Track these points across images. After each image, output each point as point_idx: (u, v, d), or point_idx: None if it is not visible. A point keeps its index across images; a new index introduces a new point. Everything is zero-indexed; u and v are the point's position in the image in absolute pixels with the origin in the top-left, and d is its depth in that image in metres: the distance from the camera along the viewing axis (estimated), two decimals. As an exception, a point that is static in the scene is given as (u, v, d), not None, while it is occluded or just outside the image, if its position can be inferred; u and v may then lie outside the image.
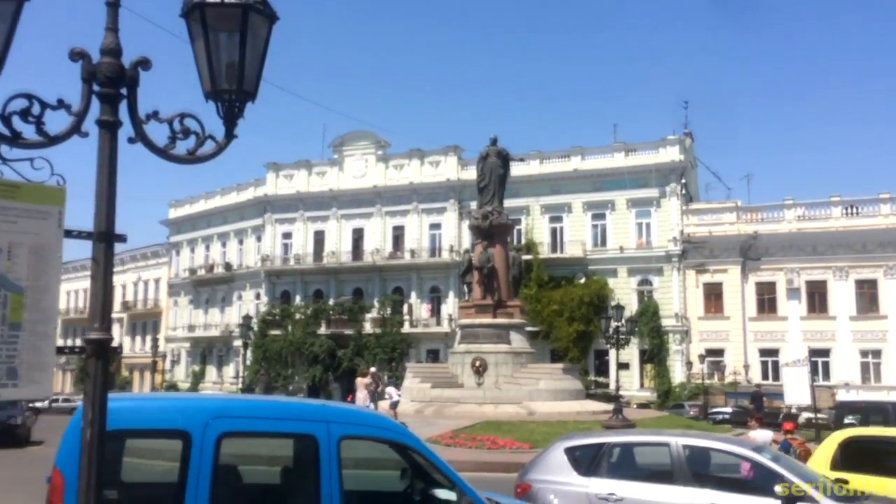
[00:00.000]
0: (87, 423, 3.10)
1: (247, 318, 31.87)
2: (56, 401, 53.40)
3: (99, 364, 3.15)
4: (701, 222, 48.65)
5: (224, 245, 65.61)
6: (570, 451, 7.74)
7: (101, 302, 3.15)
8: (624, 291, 49.00)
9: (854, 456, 8.99)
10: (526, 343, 30.29)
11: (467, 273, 30.40)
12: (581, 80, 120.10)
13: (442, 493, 5.26)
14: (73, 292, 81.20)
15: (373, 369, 27.22)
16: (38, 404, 51.68)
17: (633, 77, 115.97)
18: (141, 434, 4.81)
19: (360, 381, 24.01)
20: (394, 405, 23.67)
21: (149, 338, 69.96)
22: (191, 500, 4.57)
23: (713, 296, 47.55)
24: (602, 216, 51.28)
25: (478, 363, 28.17)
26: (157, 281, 71.93)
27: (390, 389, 24.50)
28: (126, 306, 73.42)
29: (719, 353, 46.68)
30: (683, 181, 49.58)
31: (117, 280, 75.75)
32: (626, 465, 7.73)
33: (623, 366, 48.48)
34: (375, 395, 23.87)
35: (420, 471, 5.26)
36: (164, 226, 72.17)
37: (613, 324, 22.83)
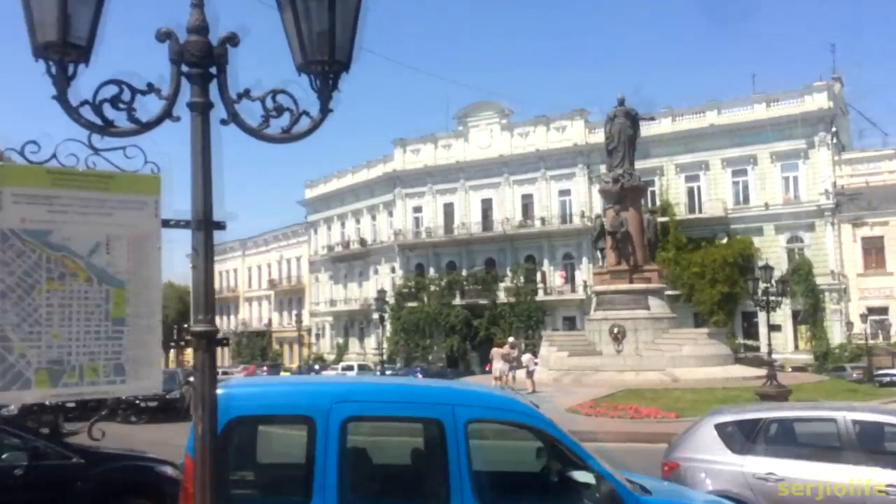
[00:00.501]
0: (198, 418, 2.97)
1: (381, 292, 32.56)
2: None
3: (206, 357, 3.02)
4: (855, 172, 44.84)
5: (358, 221, 67.47)
6: (721, 428, 7.15)
7: (203, 292, 3.02)
8: (771, 250, 46.16)
9: None
10: (666, 308, 29.15)
11: (600, 239, 29.53)
12: (713, 29, 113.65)
13: (580, 476, 4.91)
14: (225, 272, 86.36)
15: (510, 339, 27.01)
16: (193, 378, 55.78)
17: (771, 23, 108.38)
18: (267, 420, 4.78)
19: (497, 352, 23.90)
20: (530, 374, 23.43)
21: (294, 313, 73.61)
22: (319, 483, 4.50)
23: (873, 250, 43.90)
24: (743, 172, 48.36)
25: (616, 330, 27.38)
26: (298, 259, 75.18)
27: (526, 358, 24.26)
28: (272, 284, 77.36)
29: (883, 311, 43.12)
30: (834, 130, 45.76)
31: (261, 259, 79.98)
32: (785, 442, 7.06)
33: (774, 328, 45.94)
34: (513, 365, 23.68)
35: (554, 451, 4.95)
36: (301, 206, 75.08)
37: (762, 285, 21.36)
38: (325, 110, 3.24)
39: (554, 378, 26.00)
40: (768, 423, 6.99)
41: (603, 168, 34.90)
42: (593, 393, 21.86)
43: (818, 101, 46.14)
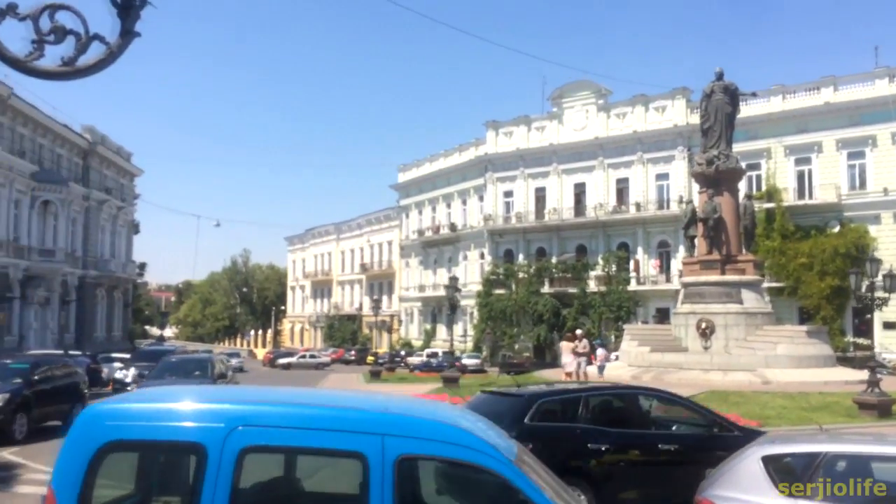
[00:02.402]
0: None
1: (453, 279, 31.66)
2: (304, 356, 58.25)
3: None
4: None
5: (449, 206, 66.88)
6: (770, 462, 5.80)
7: None
8: (890, 240, 42.41)
9: None
10: (761, 302, 26.93)
11: (691, 225, 27.54)
12: (836, 1, 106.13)
13: None
14: (319, 255, 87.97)
15: (579, 331, 25.60)
16: (284, 360, 56.86)
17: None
18: (146, 447, 3.90)
19: (566, 345, 22.64)
20: (601, 370, 22.03)
21: (385, 297, 74.08)
22: None
23: None
24: (860, 154, 44.54)
25: (703, 325, 25.49)
26: (389, 243, 75.48)
27: (600, 353, 22.81)
28: (364, 268, 78.04)
29: None
30: (971, 104, 41.36)
31: (354, 243, 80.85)
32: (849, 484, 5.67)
33: (890, 325, 42.36)
34: (586, 359, 22.33)
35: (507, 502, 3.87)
36: (394, 190, 75.20)
37: (867, 280, 19.08)
38: (128, 33, 2.33)
39: (633, 375, 24.42)
40: (830, 458, 5.61)
41: (704, 151, 32.66)
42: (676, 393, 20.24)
43: (952, 75, 41.82)
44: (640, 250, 52.93)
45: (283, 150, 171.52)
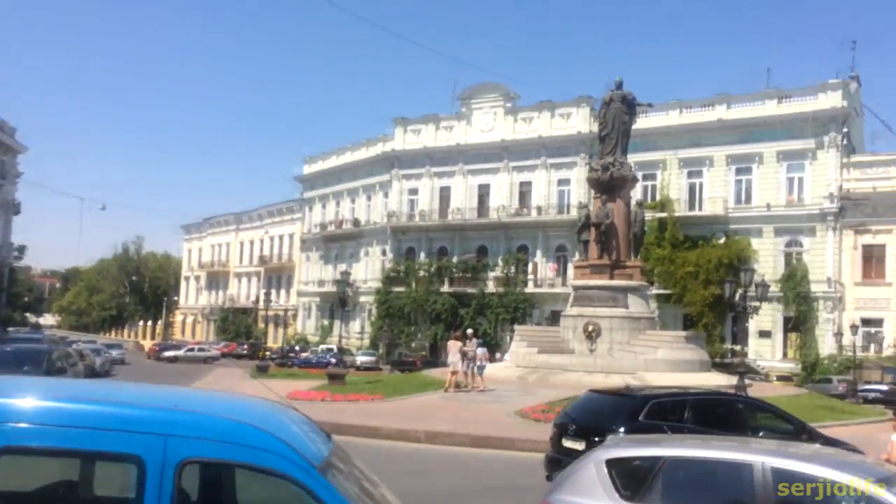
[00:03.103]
0: None
1: (344, 274, 31.26)
2: (192, 350, 56.17)
3: None
4: (864, 176, 43.18)
5: (353, 201, 66.08)
6: (612, 465, 5.69)
7: None
8: (769, 253, 44.76)
9: None
10: (645, 307, 27.66)
11: (584, 230, 28.00)
12: (730, 20, 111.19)
13: None
14: (217, 246, 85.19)
15: (469, 330, 25.52)
16: (171, 353, 54.69)
17: (790, 16, 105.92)
18: None
19: (453, 344, 22.47)
20: (479, 371, 21.96)
21: (283, 291, 72.48)
22: None
23: (874, 259, 42.36)
24: (747, 170, 46.70)
25: (590, 328, 25.98)
26: (290, 236, 73.91)
27: (480, 352, 22.73)
28: (262, 260, 76.14)
29: (877, 323, 41.60)
30: (845, 130, 44.03)
31: (254, 235, 78.75)
32: (687, 489, 5.61)
33: (764, 334, 44.58)
34: (472, 360, 22.22)
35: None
36: (298, 182, 73.70)
37: (741, 289, 19.79)
38: None
39: (519, 376, 24.61)
40: (669, 463, 5.53)
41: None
42: (555, 394, 20.43)
43: (832, 100, 44.36)
44: (538, 253, 53.77)
45: (184, 136, 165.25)
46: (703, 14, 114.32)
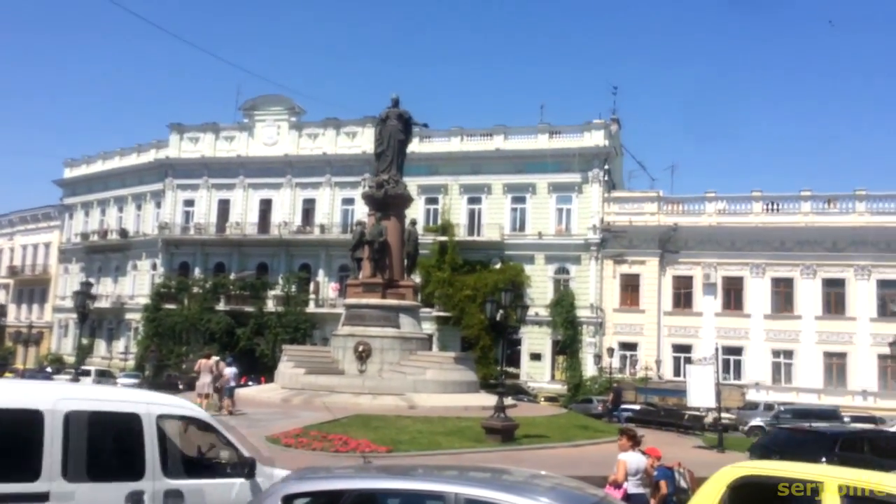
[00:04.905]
0: None
1: (85, 284, 27.75)
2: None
3: None
4: (622, 211, 46.68)
5: (121, 210, 60.73)
6: (289, 501, 4.77)
7: None
8: (540, 279, 46.95)
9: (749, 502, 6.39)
10: (417, 327, 27.40)
11: (358, 247, 27.22)
12: (511, 57, 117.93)
13: None
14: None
15: (215, 358, 23.64)
16: None
17: (563, 58, 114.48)
18: None
19: (204, 363, 20.67)
20: (229, 392, 20.32)
21: (36, 306, 64.83)
22: None
23: (630, 287, 45.66)
24: (522, 199, 48.85)
25: (361, 348, 25.17)
26: (47, 245, 66.31)
27: (229, 372, 21.10)
28: (13, 271, 67.66)
29: (633, 346, 44.85)
30: (607, 167, 47.49)
31: (4, 243, 69.88)
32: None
33: (535, 356, 46.64)
34: (218, 382, 20.49)
35: None
36: (57, 186, 66.48)
37: (500, 310, 20.07)
38: None
39: (283, 398, 23.18)
40: (354, 497, 4.71)
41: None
42: (318, 417, 19.35)
43: (596, 139, 47.72)
44: (321, 273, 52.51)
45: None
46: (485, 46, 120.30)
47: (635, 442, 8.97)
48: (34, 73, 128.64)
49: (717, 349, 25.41)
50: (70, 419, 5.99)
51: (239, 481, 6.79)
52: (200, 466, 7.05)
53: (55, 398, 6.12)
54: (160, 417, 6.60)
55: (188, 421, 7.18)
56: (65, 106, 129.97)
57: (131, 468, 6.24)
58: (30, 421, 5.85)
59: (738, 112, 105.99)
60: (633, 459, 8.69)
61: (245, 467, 6.80)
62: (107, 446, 6.40)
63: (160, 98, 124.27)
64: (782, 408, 33.86)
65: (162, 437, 6.54)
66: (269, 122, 55.40)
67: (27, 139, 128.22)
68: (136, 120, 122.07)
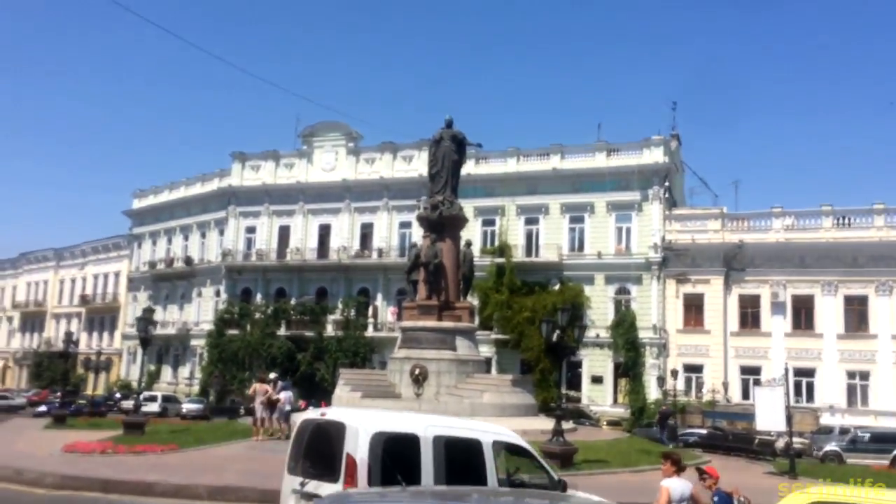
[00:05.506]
0: None
1: (147, 311, 28.43)
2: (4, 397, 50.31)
3: None
4: (684, 229, 45.57)
5: (186, 238, 62.41)
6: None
7: None
8: (600, 300, 46.12)
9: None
10: (474, 350, 27.09)
11: (413, 270, 27.22)
12: (567, 77, 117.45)
13: None
14: (34, 284, 77.98)
15: (272, 375, 23.79)
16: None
17: (621, 75, 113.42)
18: None
19: (260, 387, 20.74)
20: (285, 416, 20.31)
21: (107, 334, 66.86)
22: None
23: (693, 307, 44.39)
24: (580, 219, 48.17)
25: (417, 371, 25.00)
26: (117, 274, 68.55)
27: (284, 396, 21.10)
28: (84, 300, 70.06)
29: (698, 369, 43.47)
30: (667, 185, 46.52)
31: (76, 273, 72.52)
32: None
33: (596, 380, 45.66)
34: (275, 405, 20.51)
35: None
36: (127, 216, 68.85)
37: (556, 331, 19.58)
38: None
39: (339, 421, 23.12)
40: None
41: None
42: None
43: (655, 156, 46.83)
44: (380, 297, 52.73)
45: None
46: (539, 67, 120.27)
47: (679, 467, 8.43)
48: (105, 109, 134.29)
49: (786, 371, 24.36)
50: (435, 442, 7.51)
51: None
52: (520, 485, 8.23)
53: (425, 426, 7.76)
54: (495, 443, 8.09)
55: (511, 447, 8.58)
56: (135, 139, 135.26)
57: (476, 483, 7.42)
58: (411, 442, 7.47)
59: (802, 125, 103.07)
60: (678, 486, 8.17)
61: (558, 487, 8.01)
62: (458, 465, 7.63)
63: (224, 128, 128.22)
64: (859, 432, 32.14)
65: (494, 458, 7.97)
66: (327, 147, 56.27)
67: (100, 173, 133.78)
68: (202, 150, 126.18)
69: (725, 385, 41.95)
